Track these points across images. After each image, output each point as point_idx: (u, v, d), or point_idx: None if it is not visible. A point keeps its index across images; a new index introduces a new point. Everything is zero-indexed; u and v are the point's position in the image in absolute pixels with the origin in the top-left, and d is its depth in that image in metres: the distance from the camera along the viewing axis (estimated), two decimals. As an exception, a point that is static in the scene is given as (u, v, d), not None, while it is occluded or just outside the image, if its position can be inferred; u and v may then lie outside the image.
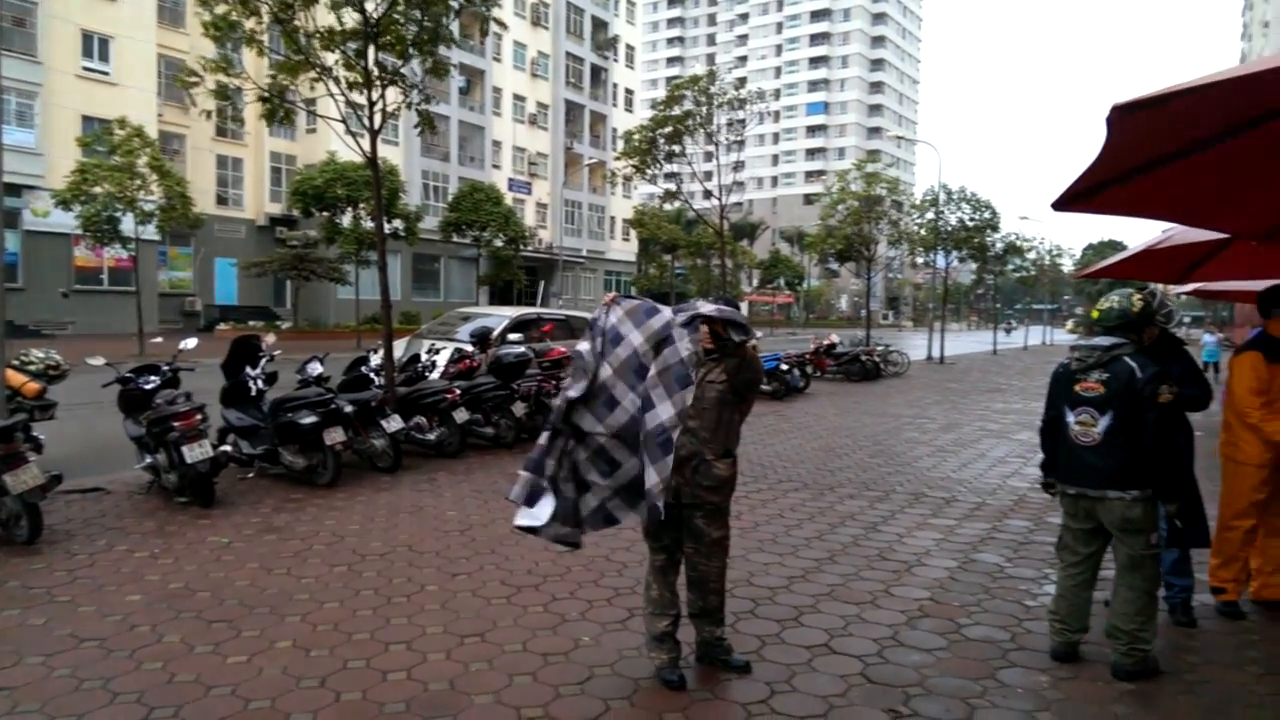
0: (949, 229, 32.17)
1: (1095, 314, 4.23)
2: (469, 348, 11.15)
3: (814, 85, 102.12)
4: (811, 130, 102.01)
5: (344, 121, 9.05)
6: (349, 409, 7.84)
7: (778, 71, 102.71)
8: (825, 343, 20.73)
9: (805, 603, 4.92)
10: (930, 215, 32.22)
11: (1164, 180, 3.02)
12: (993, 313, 60.66)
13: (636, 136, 22.13)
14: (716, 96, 21.14)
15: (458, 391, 9.24)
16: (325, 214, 29.07)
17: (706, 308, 3.67)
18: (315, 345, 15.11)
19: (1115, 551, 3.98)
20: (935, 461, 9.84)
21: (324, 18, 8.99)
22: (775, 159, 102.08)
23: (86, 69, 29.73)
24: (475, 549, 5.89)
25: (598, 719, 3.54)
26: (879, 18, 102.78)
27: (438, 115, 12.63)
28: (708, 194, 21.22)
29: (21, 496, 5.69)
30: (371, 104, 9.02)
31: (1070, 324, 68.57)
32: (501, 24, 10.44)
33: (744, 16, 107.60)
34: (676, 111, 21.05)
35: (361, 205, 28.29)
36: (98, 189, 22.01)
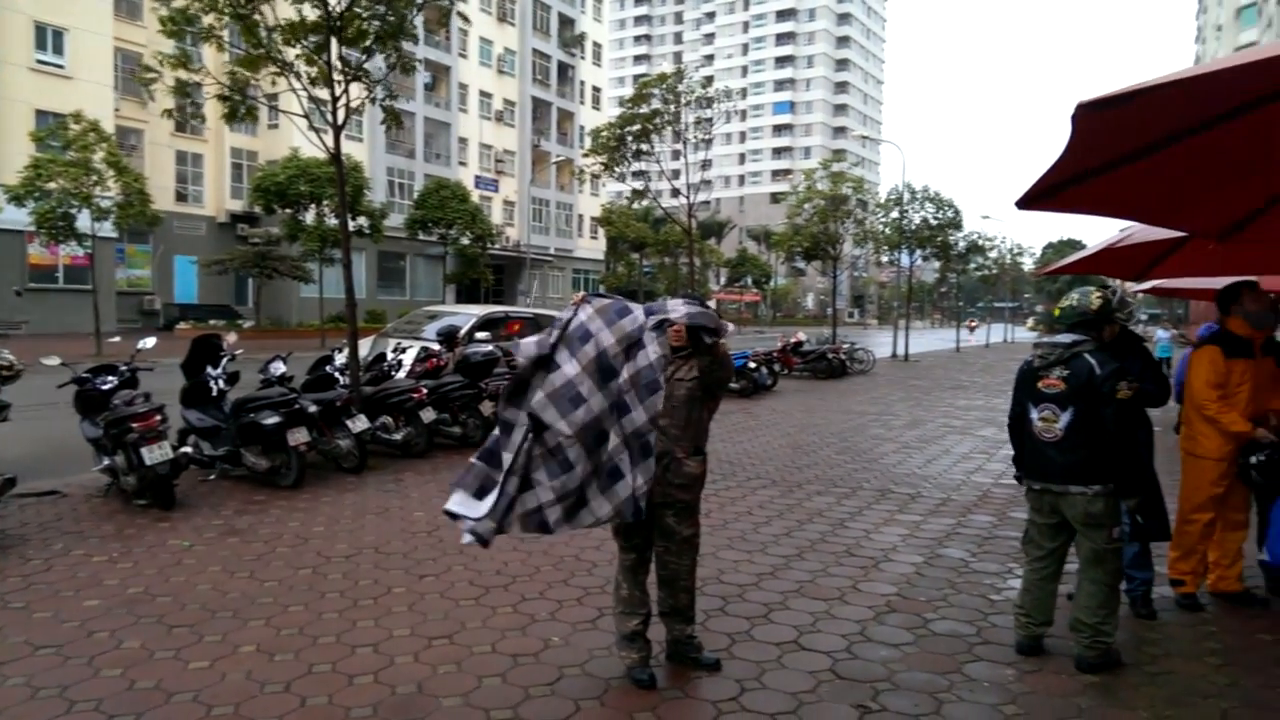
0: (913, 228, 32.55)
1: (1056, 312, 4.29)
2: (436, 346, 11.06)
3: (780, 85, 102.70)
4: (778, 129, 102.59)
5: (307, 117, 8.92)
6: (313, 409, 7.74)
7: (744, 71, 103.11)
8: (792, 341, 20.88)
9: (775, 599, 4.94)
10: (895, 214, 32.57)
11: (1125, 179, 3.07)
12: (955, 311, 61.46)
13: (604, 134, 22.08)
14: (684, 95, 21.17)
15: (424, 391, 9.15)
16: (288, 211, 28.68)
17: (676, 312, 3.66)
18: (278, 344, 14.90)
19: (1078, 546, 4.05)
20: (901, 458, 9.94)
21: (285, 11, 8.85)
22: (742, 158, 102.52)
23: (40, 62, 29.01)
24: (443, 550, 5.83)
25: (568, 719, 3.52)
26: (844, 18, 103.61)
27: (403, 111, 12.51)
28: (675, 192, 21.23)
29: (-27, 501, 5.54)
30: (335, 99, 8.89)
31: (1030, 322, 69.82)
32: (465, 18, 10.36)
33: (710, 15, 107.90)
34: (644, 110, 21.04)
35: (325, 202, 27.96)
36: (52, 185, 21.47)
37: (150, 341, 8.19)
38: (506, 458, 3.52)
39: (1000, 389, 19.40)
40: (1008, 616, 4.54)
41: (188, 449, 7.33)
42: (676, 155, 21.36)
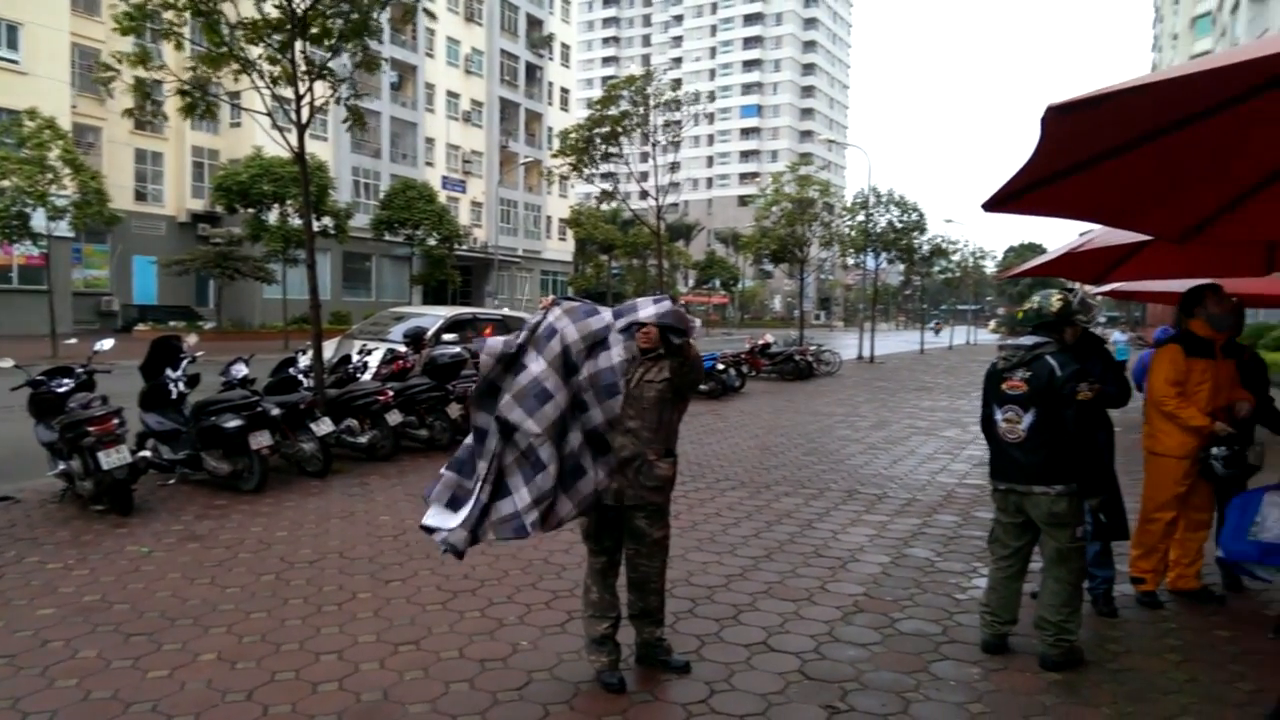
0: (878, 231, 32.91)
1: (1019, 315, 4.36)
2: (402, 348, 10.95)
3: (747, 88, 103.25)
4: (746, 133, 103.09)
5: (270, 115, 8.80)
6: (276, 412, 7.62)
7: (712, 74, 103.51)
8: (760, 343, 20.99)
9: (744, 601, 4.95)
10: (860, 217, 32.91)
11: (1090, 182, 3.11)
12: (920, 313, 62.17)
13: (573, 135, 22.04)
14: (653, 97, 21.20)
15: (390, 393, 9.06)
16: (250, 211, 28.26)
17: (645, 312, 3.64)
18: (240, 346, 14.64)
19: (1043, 545, 4.10)
20: (867, 459, 10.02)
21: (247, 8, 8.71)
22: (710, 160, 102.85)
23: (-7, 57, 28.35)
24: (409, 554, 5.77)
25: (536, 724, 3.49)
26: (810, 23, 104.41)
27: (368, 111, 12.38)
28: (644, 194, 21.25)
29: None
30: (299, 98, 8.77)
31: (992, 324, 70.80)
32: (431, 14, 10.29)
33: (678, 19, 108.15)
34: (613, 111, 21.03)
35: (289, 201, 27.58)
36: (6, 183, 20.98)
37: (108, 343, 8.02)
38: (481, 465, 3.51)
39: (963, 390, 19.66)
40: (973, 615, 4.59)
41: (146, 453, 7.21)
42: (645, 157, 21.39)
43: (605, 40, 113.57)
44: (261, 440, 7.39)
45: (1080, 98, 2.02)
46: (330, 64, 9.10)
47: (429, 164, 45.67)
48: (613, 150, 21.29)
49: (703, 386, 15.51)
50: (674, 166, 21.38)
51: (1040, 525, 4.04)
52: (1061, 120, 2.11)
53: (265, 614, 4.63)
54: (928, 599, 5.05)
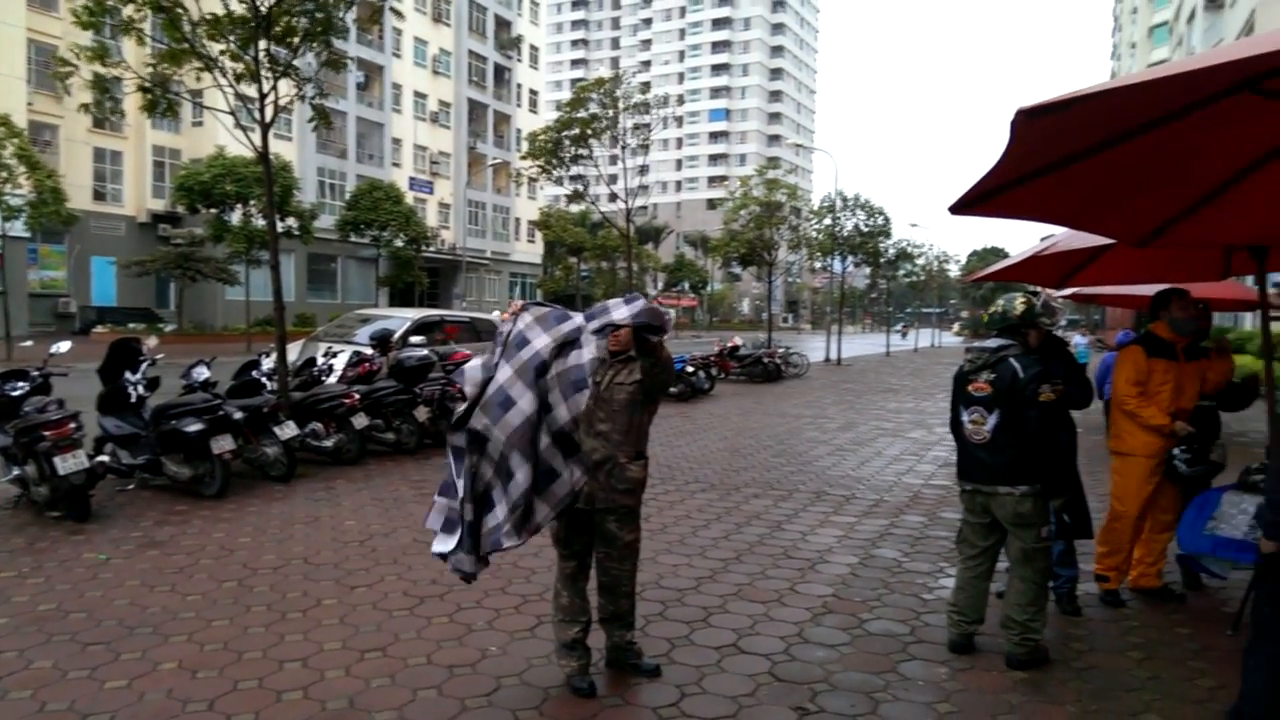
0: (845, 235, 33.19)
1: (985, 318, 4.41)
2: (369, 350, 10.82)
3: (716, 92, 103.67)
4: (714, 136, 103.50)
5: (233, 114, 8.66)
6: (238, 415, 7.50)
7: (680, 78, 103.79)
8: (729, 345, 21.09)
9: (714, 603, 4.95)
10: (827, 221, 33.18)
11: (1056, 185, 3.15)
12: (886, 316, 62.83)
13: (542, 137, 22.00)
14: (622, 100, 21.22)
15: (357, 396, 8.94)
16: (213, 211, 27.83)
17: (619, 313, 3.62)
18: (201, 349, 14.42)
19: (1008, 545, 4.14)
20: (835, 460, 10.09)
21: (210, 3, 8.57)
22: (679, 163, 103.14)
23: (-55, 52, 27.66)
24: (376, 559, 5.69)
25: (506, 730, 3.46)
26: (777, 28, 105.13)
27: (334, 111, 12.23)
28: (613, 197, 21.25)
29: None
30: (263, 97, 8.64)
31: (956, 327, 71.77)
32: (397, 13, 10.21)
33: (647, 22, 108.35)
34: (582, 114, 21.01)
35: (252, 202, 27.20)
36: (-43, 181, 20.51)
37: (65, 345, 7.84)
38: (460, 484, 3.50)
39: (928, 392, 19.88)
40: (940, 615, 4.62)
41: (104, 458, 7.06)
42: (614, 160, 21.40)
43: (574, 43, 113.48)
44: (224, 444, 7.25)
45: (1049, 101, 2.04)
46: (294, 62, 8.97)
47: (396, 165, 45.31)
48: (582, 153, 21.27)
49: (672, 389, 15.53)
50: (643, 169, 21.40)
51: (1006, 525, 4.08)
52: (1030, 124, 2.13)
53: (228, 621, 4.54)
54: (895, 599, 5.08)
